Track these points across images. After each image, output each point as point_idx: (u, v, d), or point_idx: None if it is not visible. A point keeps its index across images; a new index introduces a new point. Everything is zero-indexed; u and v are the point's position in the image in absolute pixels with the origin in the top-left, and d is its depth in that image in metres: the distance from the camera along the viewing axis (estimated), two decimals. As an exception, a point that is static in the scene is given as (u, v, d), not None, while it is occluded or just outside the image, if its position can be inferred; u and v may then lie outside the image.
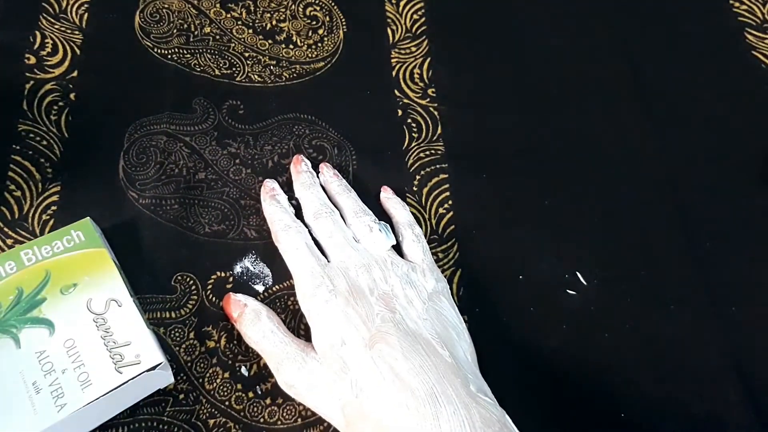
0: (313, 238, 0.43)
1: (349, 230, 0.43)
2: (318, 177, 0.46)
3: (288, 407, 0.40)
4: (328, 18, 0.54)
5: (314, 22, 0.54)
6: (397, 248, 0.44)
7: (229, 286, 0.43)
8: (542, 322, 0.44)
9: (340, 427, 0.37)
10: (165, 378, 0.37)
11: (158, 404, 0.39)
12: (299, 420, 0.39)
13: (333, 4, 0.55)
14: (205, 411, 0.39)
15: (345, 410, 0.36)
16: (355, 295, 0.38)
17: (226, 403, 0.39)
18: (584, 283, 0.45)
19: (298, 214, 0.45)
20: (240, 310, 0.40)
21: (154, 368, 0.36)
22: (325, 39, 0.53)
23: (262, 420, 0.39)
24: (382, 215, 0.46)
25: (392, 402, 0.34)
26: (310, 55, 0.52)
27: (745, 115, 0.54)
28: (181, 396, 0.39)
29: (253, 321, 0.39)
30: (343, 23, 0.54)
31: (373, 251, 0.42)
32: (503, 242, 0.47)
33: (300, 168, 0.46)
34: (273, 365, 0.39)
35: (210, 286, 0.42)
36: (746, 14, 0.59)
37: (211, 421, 0.39)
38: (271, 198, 0.44)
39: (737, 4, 0.59)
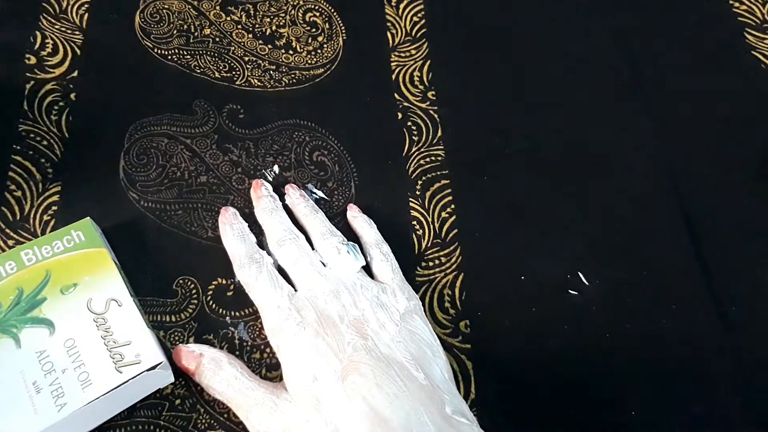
0: (279, 267, 0.42)
1: (315, 254, 0.42)
2: (287, 197, 0.46)
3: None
4: (327, 25, 0.54)
5: (314, 29, 0.54)
6: (367, 268, 0.44)
7: (230, 293, 0.42)
8: (544, 323, 0.44)
9: None
10: (165, 377, 0.37)
11: (155, 407, 0.38)
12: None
13: (332, 11, 0.55)
14: (203, 421, 0.38)
15: None
16: (324, 325, 0.37)
17: (224, 415, 0.39)
18: (586, 283, 0.45)
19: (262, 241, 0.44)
20: (196, 362, 0.38)
21: (154, 368, 0.36)
22: (325, 46, 0.53)
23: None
24: (386, 229, 0.46)
25: None
26: (309, 61, 0.52)
27: (745, 115, 0.54)
28: (177, 401, 0.39)
29: (214, 371, 0.37)
30: (343, 30, 0.54)
31: (342, 275, 0.41)
32: (505, 243, 0.47)
33: (260, 193, 0.45)
34: (242, 414, 0.37)
35: (210, 292, 0.42)
36: (746, 14, 0.59)
37: (210, 433, 0.38)
38: (231, 227, 0.43)
39: (737, 5, 0.60)
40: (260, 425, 0.36)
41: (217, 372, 0.37)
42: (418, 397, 0.34)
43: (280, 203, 0.45)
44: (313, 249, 0.43)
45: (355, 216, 0.46)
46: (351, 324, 0.38)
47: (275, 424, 0.36)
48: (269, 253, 0.43)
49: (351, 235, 0.45)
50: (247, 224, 0.44)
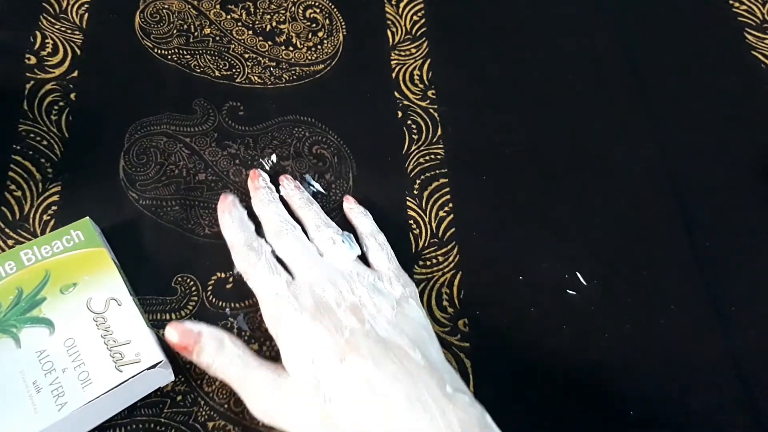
0: (277, 257, 0.42)
1: (312, 245, 0.42)
2: (281, 188, 0.46)
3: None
4: (327, 21, 0.54)
5: (314, 25, 0.54)
6: (363, 258, 0.44)
7: (229, 286, 0.43)
8: (542, 323, 0.44)
9: None
10: (165, 376, 0.37)
11: (156, 405, 0.38)
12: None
13: (333, 6, 0.55)
14: (203, 413, 0.39)
15: (322, 427, 0.35)
16: (322, 310, 0.38)
17: (225, 405, 0.39)
18: (584, 283, 0.45)
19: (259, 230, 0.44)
20: (194, 339, 0.37)
21: (154, 366, 0.36)
22: (325, 41, 0.53)
23: (261, 423, 0.39)
24: (384, 222, 0.46)
25: (367, 414, 0.34)
26: (309, 57, 0.52)
27: (745, 115, 0.54)
28: (179, 398, 0.39)
29: (217, 349, 0.37)
30: (343, 26, 0.54)
31: (338, 264, 0.41)
32: (503, 243, 0.47)
33: (258, 184, 0.45)
34: (243, 392, 0.37)
35: (210, 287, 0.42)
36: (746, 14, 0.59)
37: (210, 424, 0.38)
38: (230, 214, 0.43)
39: (737, 4, 0.60)
40: (261, 404, 0.36)
41: (221, 350, 0.37)
42: (417, 376, 0.34)
43: (277, 194, 0.45)
44: (309, 240, 0.43)
45: (351, 207, 0.46)
46: (348, 309, 0.38)
47: (275, 402, 0.36)
48: (267, 243, 0.43)
49: (349, 227, 0.45)
50: (246, 212, 0.44)
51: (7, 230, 0.42)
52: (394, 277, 0.42)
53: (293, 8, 0.54)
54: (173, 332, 0.37)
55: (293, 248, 0.41)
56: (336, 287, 0.39)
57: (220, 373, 0.37)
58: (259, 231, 0.43)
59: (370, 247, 0.44)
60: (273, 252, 0.42)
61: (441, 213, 0.47)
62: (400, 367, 0.35)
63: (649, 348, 0.44)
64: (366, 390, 0.34)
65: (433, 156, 0.49)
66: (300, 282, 0.40)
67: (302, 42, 0.53)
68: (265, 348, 0.41)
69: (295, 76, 0.51)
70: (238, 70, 0.51)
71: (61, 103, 0.47)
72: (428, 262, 0.45)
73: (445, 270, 0.45)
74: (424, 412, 0.33)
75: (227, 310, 0.42)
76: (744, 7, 0.59)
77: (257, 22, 0.53)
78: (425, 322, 0.40)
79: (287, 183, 0.46)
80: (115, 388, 0.35)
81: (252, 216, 0.44)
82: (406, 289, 0.41)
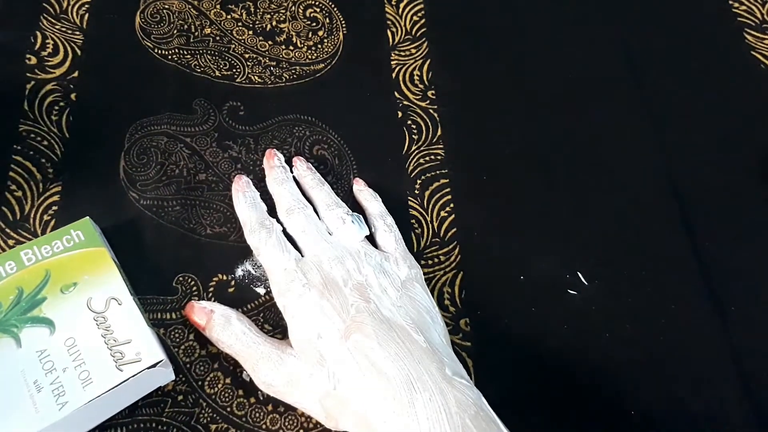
0: (288, 234, 0.43)
1: (322, 224, 0.43)
2: (292, 170, 0.47)
3: (290, 416, 0.39)
4: (328, 20, 0.54)
5: (314, 24, 0.54)
6: (372, 239, 0.44)
7: (231, 289, 0.43)
8: (543, 323, 0.44)
9: (320, 419, 0.37)
10: (166, 375, 0.37)
11: (157, 405, 0.38)
12: (301, 431, 0.39)
13: (333, 5, 0.55)
14: (206, 415, 0.39)
15: (324, 402, 0.36)
16: (329, 287, 0.39)
17: (228, 409, 0.39)
18: (585, 283, 0.45)
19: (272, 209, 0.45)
20: (207, 317, 0.39)
21: (154, 366, 0.36)
22: (325, 41, 0.53)
23: (264, 427, 0.39)
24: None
25: (369, 391, 0.35)
26: (309, 56, 0.52)
27: (745, 115, 0.54)
28: (180, 397, 0.39)
29: (224, 326, 0.39)
30: (343, 25, 0.54)
31: (347, 243, 0.42)
32: (504, 243, 0.47)
33: (273, 163, 0.46)
34: (249, 366, 0.38)
35: (212, 288, 0.42)
36: (745, 14, 0.59)
37: (213, 426, 0.38)
38: (243, 194, 0.44)
39: (736, 5, 0.60)
40: (266, 377, 0.37)
41: (227, 327, 0.39)
42: (418, 357, 0.35)
43: (291, 174, 0.46)
44: (320, 219, 0.44)
45: (361, 189, 0.47)
46: (354, 288, 0.39)
47: (280, 376, 0.37)
48: (279, 222, 0.43)
49: (359, 210, 0.46)
50: (258, 193, 0.45)
51: (7, 230, 0.42)
52: (401, 258, 0.43)
53: (293, 7, 0.54)
54: (189, 311, 0.40)
55: (303, 226, 0.42)
56: (344, 265, 0.40)
57: (226, 347, 0.39)
58: (271, 213, 0.44)
59: (379, 228, 0.45)
60: (284, 231, 0.43)
61: (442, 213, 0.47)
62: (402, 347, 0.36)
63: (649, 348, 0.44)
64: (368, 368, 0.35)
65: (433, 156, 0.49)
66: (309, 259, 0.41)
67: (302, 41, 0.53)
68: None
69: (295, 76, 0.51)
70: (239, 69, 0.51)
71: (61, 104, 0.47)
72: (430, 262, 0.45)
73: (447, 269, 0.45)
74: (423, 391, 0.34)
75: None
76: (743, 7, 0.60)
77: (257, 22, 0.53)
78: (429, 305, 0.40)
79: (300, 164, 0.47)
80: (115, 387, 0.35)
81: (265, 199, 0.45)
82: (411, 272, 0.42)
